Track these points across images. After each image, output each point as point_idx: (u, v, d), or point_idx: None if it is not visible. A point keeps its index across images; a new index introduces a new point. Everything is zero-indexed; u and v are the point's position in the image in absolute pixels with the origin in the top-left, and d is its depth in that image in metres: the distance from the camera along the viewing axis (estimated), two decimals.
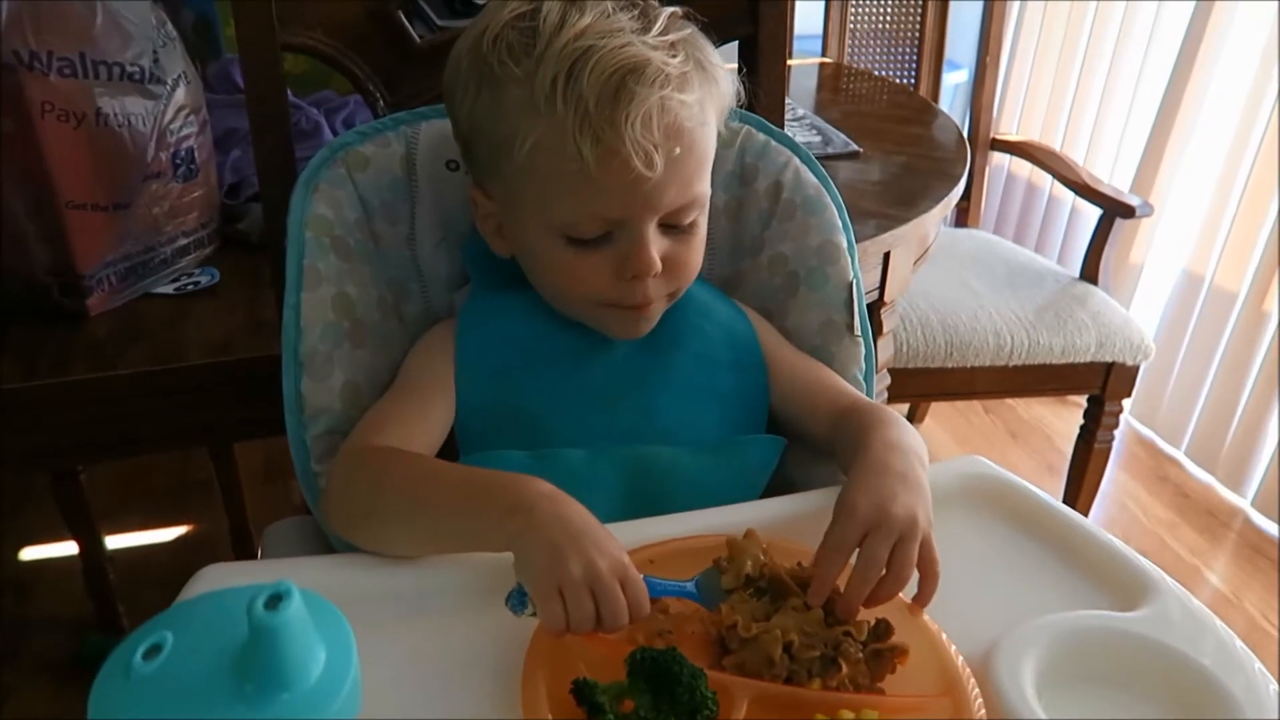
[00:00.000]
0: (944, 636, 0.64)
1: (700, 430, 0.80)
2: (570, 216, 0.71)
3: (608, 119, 0.65)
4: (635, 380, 0.80)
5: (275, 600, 0.41)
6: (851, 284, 0.87)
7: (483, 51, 0.70)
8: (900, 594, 0.64)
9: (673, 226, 0.73)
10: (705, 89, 0.71)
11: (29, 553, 1.95)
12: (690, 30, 0.72)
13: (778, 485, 0.81)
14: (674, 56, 0.68)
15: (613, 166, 0.66)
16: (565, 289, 0.76)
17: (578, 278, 0.73)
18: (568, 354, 0.78)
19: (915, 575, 0.65)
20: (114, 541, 1.91)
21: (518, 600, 0.60)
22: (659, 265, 0.72)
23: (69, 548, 1.72)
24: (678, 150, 0.68)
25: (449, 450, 0.80)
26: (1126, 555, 0.71)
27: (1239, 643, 0.65)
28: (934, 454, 0.73)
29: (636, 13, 0.70)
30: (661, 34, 0.69)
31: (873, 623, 0.62)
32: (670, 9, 0.72)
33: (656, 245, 0.71)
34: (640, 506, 0.75)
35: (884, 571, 0.63)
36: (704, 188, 0.74)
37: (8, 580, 1.88)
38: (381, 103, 0.90)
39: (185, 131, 1.03)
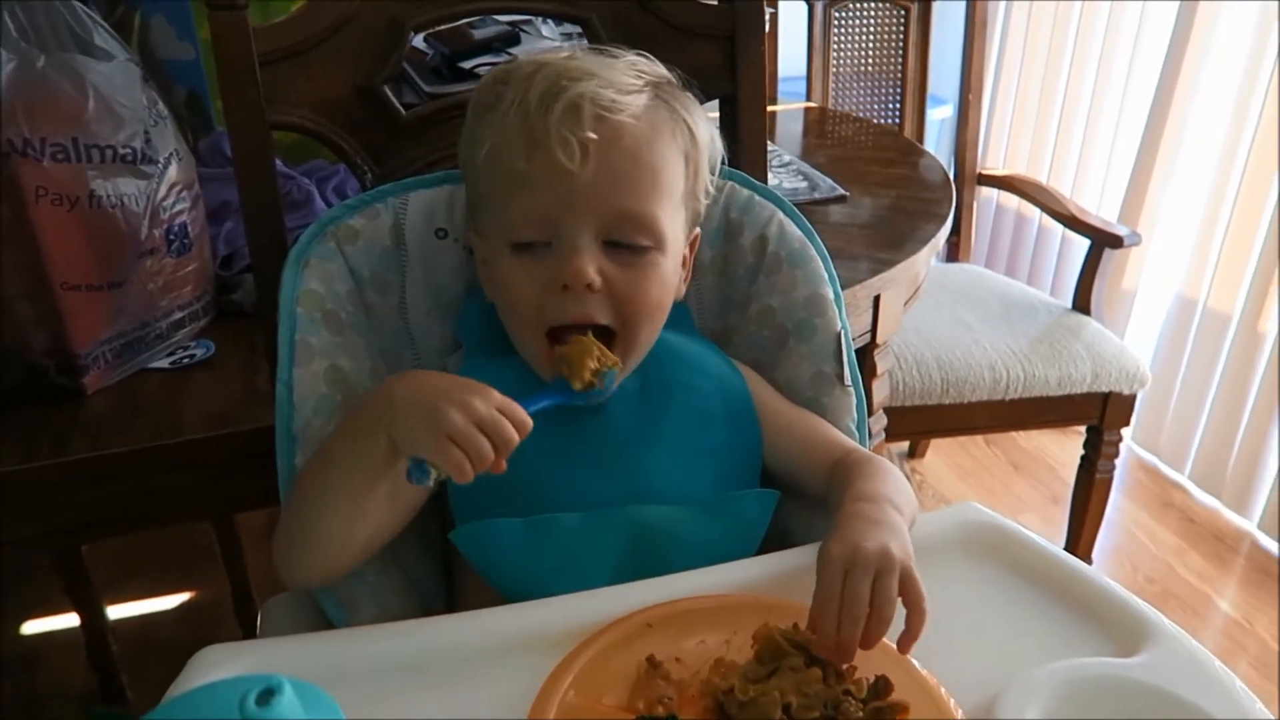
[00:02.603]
0: (943, 690, 0.64)
1: (695, 487, 0.80)
2: (513, 218, 0.74)
3: (541, 115, 0.70)
4: (628, 440, 0.80)
5: (267, 695, 0.42)
6: (840, 334, 0.88)
7: (473, 105, 0.77)
8: (892, 644, 0.64)
9: (619, 246, 0.73)
10: (663, 121, 0.74)
11: (32, 626, 1.94)
12: (668, 78, 0.77)
13: (775, 538, 0.82)
14: (627, 77, 0.73)
15: (541, 160, 0.70)
16: (513, 309, 0.76)
17: (519, 291, 0.74)
18: (560, 419, 0.78)
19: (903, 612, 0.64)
20: (118, 611, 1.91)
21: (417, 471, 0.63)
22: (592, 277, 0.72)
23: (72, 619, 1.72)
24: (612, 154, 0.70)
25: (442, 520, 0.81)
26: (1125, 599, 0.71)
27: (1239, 684, 0.65)
28: (936, 488, 0.74)
29: (613, 55, 0.76)
30: (626, 68, 0.74)
31: (872, 680, 0.62)
32: (657, 67, 0.77)
33: (594, 259, 0.72)
34: (638, 568, 0.75)
35: (869, 610, 0.63)
36: (658, 212, 0.73)
37: (12, 654, 1.87)
38: (370, 175, 0.92)
39: (178, 207, 1.05)
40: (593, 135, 0.70)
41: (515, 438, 0.63)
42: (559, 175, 0.70)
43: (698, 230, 0.83)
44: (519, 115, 0.71)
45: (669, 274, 0.77)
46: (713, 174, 0.82)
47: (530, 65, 0.74)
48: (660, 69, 0.78)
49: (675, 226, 0.76)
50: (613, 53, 0.78)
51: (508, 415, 0.64)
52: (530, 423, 0.65)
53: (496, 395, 0.65)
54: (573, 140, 0.69)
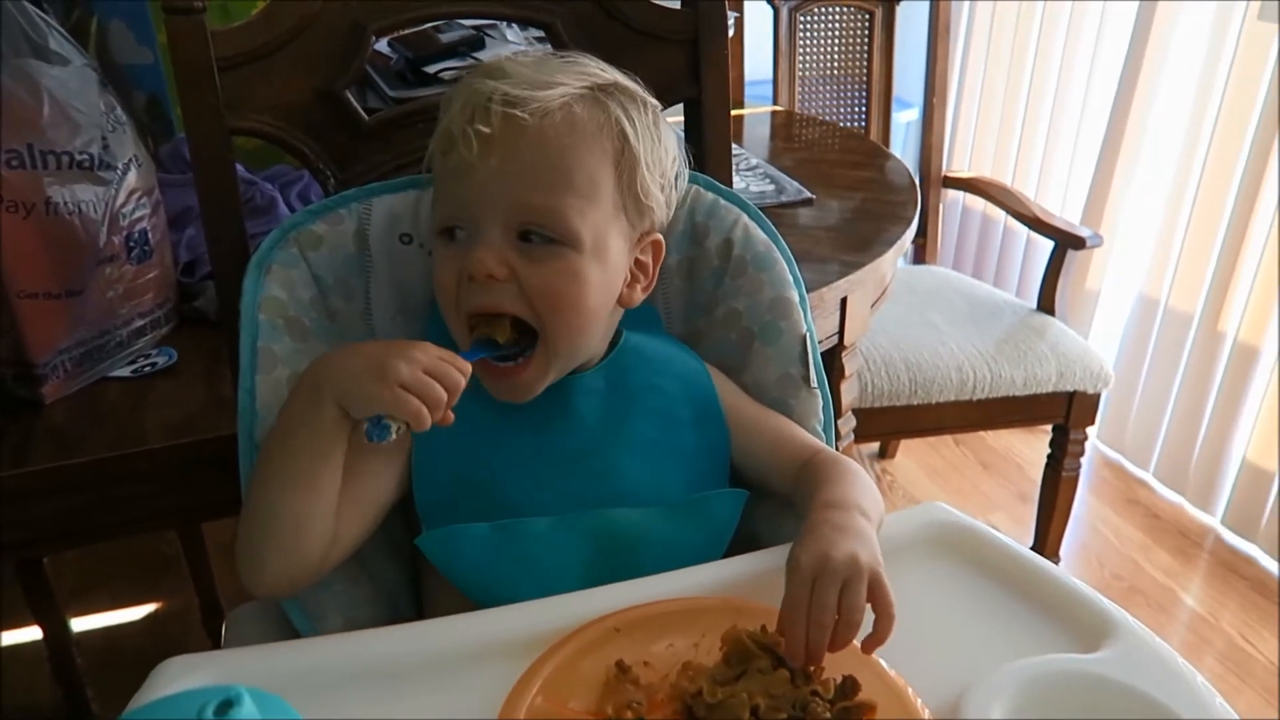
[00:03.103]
0: (910, 690, 0.64)
1: (664, 489, 0.80)
2: (437, 209, 0.76)
3: (457, 113, 0.73)
4: (596, 443, 0.80)
5: (225, 706, 0.41)
6: (805, 337, 0.88)
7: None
8: (858, 644, 0.64)
9: (530, 239, 0.73)
10: (586, 121, 0.74)
11: None
12: (616, 82, 0.77)
13: (743, 539, 0.82)
14: (562, 77, 0.74)
15: (454, 156, 0.72)
16: (439, 296, 0.77)
17: (441, 279, 0.76)
18: (525, 422, 0.78)
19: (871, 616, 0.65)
20: (83, 623, 1.87)
21: (375, 429, 0.65)
22: (492, 267, 0.72)
23: (36, 632, 1.69)
24: (517, 149, 0.71)
25: (410, 526, 0.80)
26: (1088, 596, 0.72)
27: (1200, 678, 0.66)
28: (907, 488, 0.75)
29: (564, 59, 0.77)
30: (569, 68, 0.75)
31: (839, 680, 0.63)
32: (610, 76, 0.77)
33: (497, 250, 0.72)
34: (607, 571, 0.75)
35: (837, 616, 0.63)
36: (564, 209, 0.72)
37: None
38: (332, 180, 0.91)
39: (138, 214, 1.03)
40: (485, 129, 0.71)
41: (460, 380, 0.67)
42: (467, 168, 0.72)
43: (657, 236, 0.81)
44: (446, 114, 0.74)
45: (588, 274, 0.74)
46: (674, 185, 0.81)
47: (478, 68, 0.77)
48: (613, 74, 0.78)
49: (596, 228, 0.74)
50: (567, 57, 0.78)
51: (448, 362, 0.67)
52: (470, 368, 0.69)
53: (433, 347, 0.68)
54: (472, 134, 0.71)
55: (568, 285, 0.74)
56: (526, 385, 0.76)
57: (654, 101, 0.80)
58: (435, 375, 0.66)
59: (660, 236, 0.82)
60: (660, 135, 0.79)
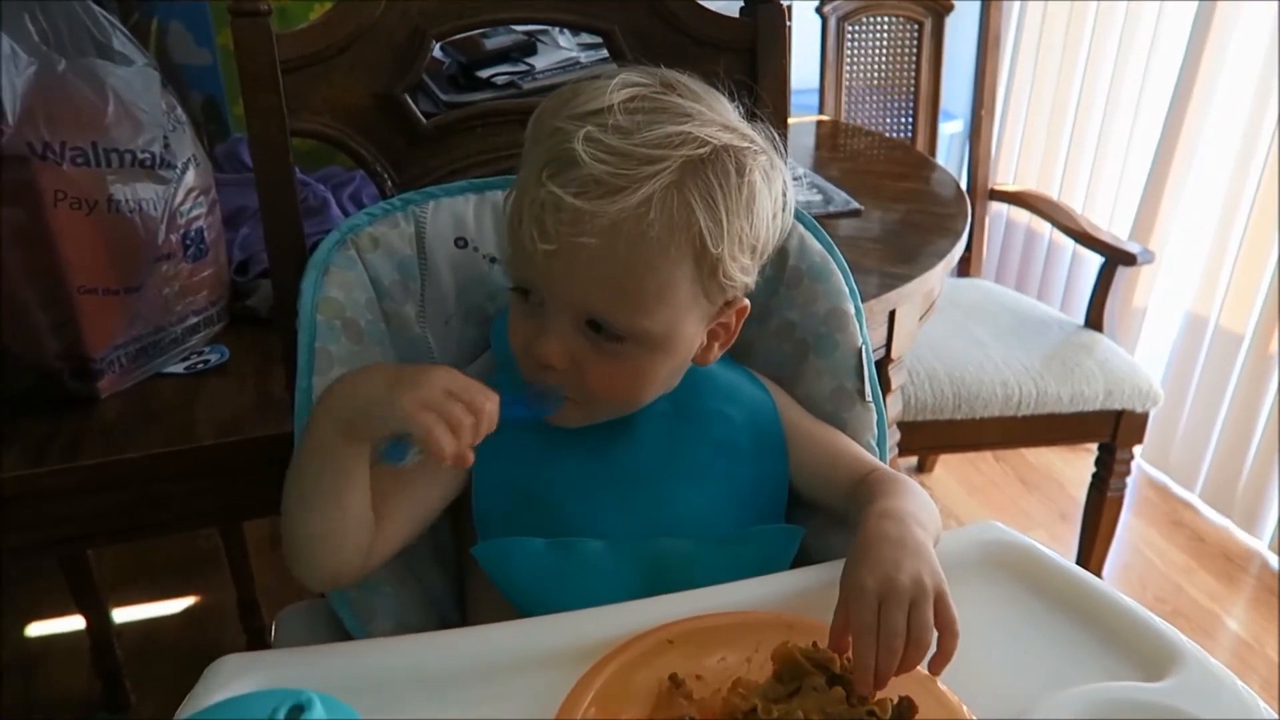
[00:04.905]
0: (966, 710, 0.63)
1: (717, 520, 0.79)
2: (510, 264, 0.74)
3: (534, 183, 0.67)
4: (654, 469, 0.79)
5: (297, 710, 0.41)
6: (860, 350, 0.87)
7: (535, 115, 0.74)
8: (921, 666, 0.63)
9: (597, 328, 0.70)
10: (665, 222, 0.66)
11: (36, 628, 1.93)
12: (717, 141, 0.68)
13: (795, 556, 0.81)
14: (626, 172, 0.65)
15: (523, 231, 0.68)
16: (513, 351, 0.75)
17: (512, 331, 0.74)
18: (587, 441, 0.78)
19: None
20: (122, 614, 1.90)
21: (393, 452, 0.61)
22: (555, 359, 0.69)
23: (76, 622, 1.71)
24: (583, 255, 0.65)
25: (457, 534, 0.80)
26: (1150, 621, 0.70)
27: (1262, 704, 0.64)
28: (945, 504, 0.73)
29: (659, 124, 0.67)
30: (655, 143, 0.66)
31: (896, 701, 0.62)
32: (703, 150, 0.68)
33: (567, 340, 0.69)
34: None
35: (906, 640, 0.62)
36: (636, 318, 0.68)
37: (14, 659, 1.86)
38: (390, 183, 0.91)
39: (195, 213, 1.05)
40: (548, 247, 0.66)
41: (489, 408, 0.63)
42: (530, 255, 0.68)
43: (744, 303, 0.76)
44: (530, 170, 0.68)
45: (656, 368, 0.73)
46: (772, 241, 0.75)
47: (575, 106, 0.68)
48: (720, 128, 0.69)
49: (669, 323, 0.70)
50: (676, 107, 0.68)
51: (476, 391, 0.64)
52: (497, 399, 0.64)
53: (460, 374, 0.65)
54: (535, 235, 0.66)
55: (632, 381, 0.73)
56: (567, 422, 0.75)
57: (764, 147, 0.72)
58: (461, 394, 0.62)
59: (746, 302, 0.76)
60: (755, 199, 0.71)
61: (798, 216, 0.90)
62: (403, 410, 0.61)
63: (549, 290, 0.70)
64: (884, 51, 2.16)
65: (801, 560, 0.80)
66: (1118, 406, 1.72)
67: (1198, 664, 0.66)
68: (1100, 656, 0.69)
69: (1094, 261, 1.89)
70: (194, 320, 1.08)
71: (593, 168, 0.65)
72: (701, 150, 0.67)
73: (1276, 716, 0.64)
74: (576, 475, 0.77)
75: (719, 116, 0.71)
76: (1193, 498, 2.26)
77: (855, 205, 1.51)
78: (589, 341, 0.70)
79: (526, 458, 0.77)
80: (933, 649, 0.63)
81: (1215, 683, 0.65)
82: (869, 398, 0.87)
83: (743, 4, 0.96)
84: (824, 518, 0.83)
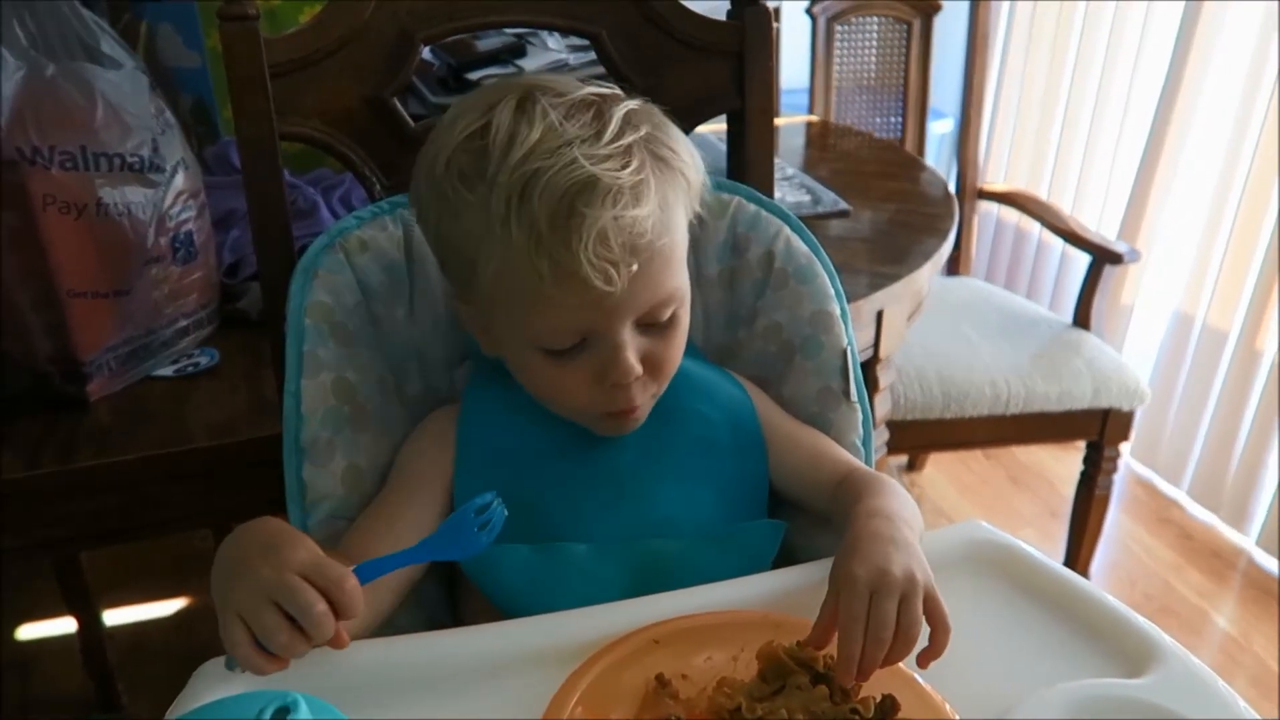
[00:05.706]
0: (949, 708, 0.64)
1: (701, 519, 0.79)
2: (542, 331, 0.70)
3: (562, 241, 0.64)
4: (637, 471, 0.79)
5: (282, 712, 0.42)
6: (846, 351, 0.88)
7: (437, 177, 0.70)
8: (909, 660, 0.64)
9: (651, 325, 0.72)
10: (666, 189, 0.70)
11: (28, 630, 1.93)
12: (645, 130, 0.70)
13: (779, 556, 0.81)
14: (626, 166, 0.66)
15: (573, 285, 0.66)
16: (549, 398, 0.76)
17: (560, 388, 0.73)
18: (570, 445, 0.78)
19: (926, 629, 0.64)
20: (114, 616, 1.90)
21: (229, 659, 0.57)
22: (638, 369, 0.71)
23: (69, 624, 1.71)
24: (635, 266, 0.67)
25: None
26: (1131, 619, 0.71)
27: (1242, 703, 0.65)
28: (935, 502, 0.74)
29: (589, 116, 0.68)
30: (614, 139, 0.67)
31: (879, 699, 0.62)
32: (627, 105, 0.70)
33: (634, 347, 0.71)
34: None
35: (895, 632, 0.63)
36: (678, 282, 0.72)
37: (7, 660, 1.86)
38: (378, 186, 0.92)
39: (184, 216, 1.05)
40: (631, 260, 0.66)
41: (326, 624, 0.57)
42: (598, 297, 0.67)
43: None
44: (529, 238, 0.65)
45: (686, 321, 0.76)
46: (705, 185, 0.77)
47: (513, 147, 0.66)
48: (630, 111, 0.70)
49: (684, 270, 0.74)
50: (610, 111, 0.69)
51: (323, 584, 0.57)
52: (359, 599, 0.58)
53: (312, 560, 0.58)
54: (610, 270, 0.66)
55: (680, 345, 0.75)
56: (634, 425, 0.76)
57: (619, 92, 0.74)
58: (285, 602, 0.56)
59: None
60: (690, 150, 0.74)
61: (784, 218, 0.91)
62: (221, 620, 0.58)
63: (616, 321, 0.69)
64: (873, 52, 2.17)
65: (787, 560, 0.80)
66: (1105, 405, 1.73)
67: (1178, 661, 0.67)
68: (1082, 653, 0.70)
69: (1082, 260, 1.91)
70: (184, 323, 1.08)
71: (614, 179, 0.65)
72: (635, 128, 0.69)
73: (1256, 715, 0.65)
74: (560, 480, 0.78)
75: (595, 86, 0.73)
76: (1180, 495, 2.28)
77: (844, 205, 1.52)
78: (644, 333, 0.72)
79: (510, 464, 0.78)
80: (922, 643, 0.64)
81: (1195, 679, 0.66)
82: (854, 398, 0.87)
83: (730, 7, 0.97)
84: (808, 517, 0.84)
